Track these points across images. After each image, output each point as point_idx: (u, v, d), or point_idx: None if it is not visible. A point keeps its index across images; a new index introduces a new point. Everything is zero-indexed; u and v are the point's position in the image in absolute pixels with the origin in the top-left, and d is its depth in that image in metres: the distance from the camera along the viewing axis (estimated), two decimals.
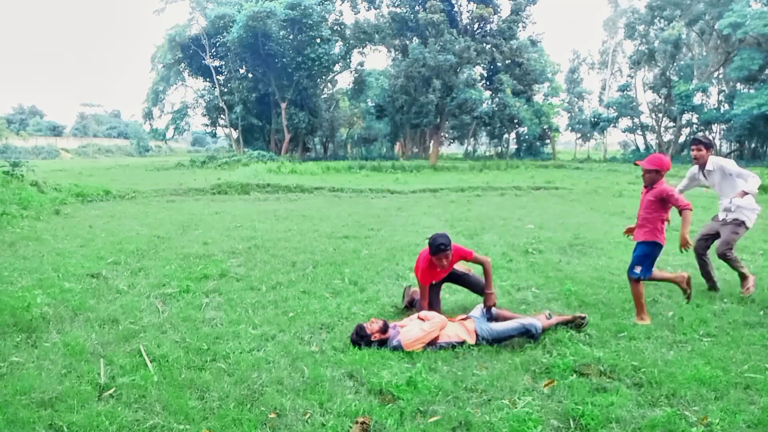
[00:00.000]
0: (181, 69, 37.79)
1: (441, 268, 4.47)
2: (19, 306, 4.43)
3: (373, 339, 3.86)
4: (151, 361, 3.55)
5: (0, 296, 4.78)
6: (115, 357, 3.63)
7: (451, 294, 5.21)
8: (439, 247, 4.33)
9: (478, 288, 4.65)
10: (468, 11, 35.92)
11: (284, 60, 32.70)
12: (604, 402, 3.00)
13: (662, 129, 39.84)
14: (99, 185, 15.27)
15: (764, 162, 31.80)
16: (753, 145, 35.77)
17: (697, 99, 35.54)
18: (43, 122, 61.87)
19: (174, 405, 2.98)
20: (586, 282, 5.67)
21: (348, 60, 37.76)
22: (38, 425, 2.78)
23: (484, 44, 35.05)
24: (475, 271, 4.98)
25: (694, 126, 38.32)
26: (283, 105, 34.06)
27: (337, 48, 36.31)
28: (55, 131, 60.52)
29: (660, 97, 39.04)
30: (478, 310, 4.33)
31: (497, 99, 37.04)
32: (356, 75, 38.72)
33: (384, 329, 3.90)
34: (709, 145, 5.26)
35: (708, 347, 3.84)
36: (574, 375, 3.39)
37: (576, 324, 4.18)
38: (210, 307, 4.77)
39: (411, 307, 4.76)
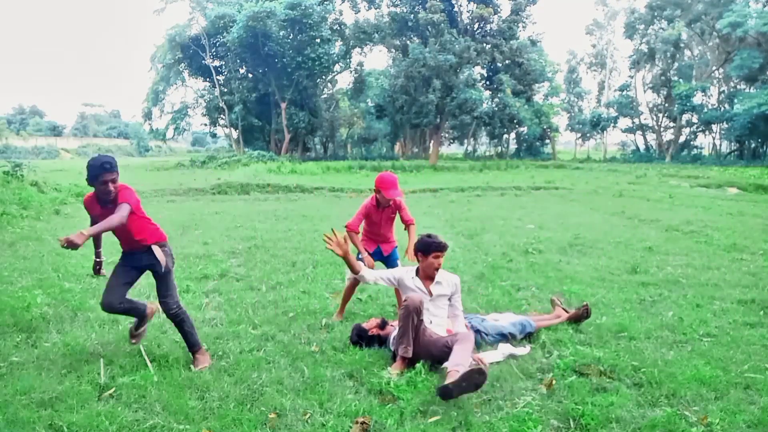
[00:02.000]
0: (181, 69, 37.80)
1: (103, 195, 3.26)
2: (19, 306, 4.42)
3: (371, 334, 3.87)
4: (151, 361, 3.55)
5: (0, 296, 4.78)
6: (115, 357, 3.62)
7: None
8: (100, 167, 3.16)
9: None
10: (468, 11, 35.93)
11: (284, 60, 32.69)
12: (604, 402, 3.00)
13: (662, 129, 39.90)
14: None
15: (764, 162, 31.81)
16: (753, 145, 35.79)
17: (697, 99, 35.58)
18: (43, 122, 61.95)
19: (174, 405, 2.98)
20: (586, 282, 5.67)
21: (348, 60, 37.75)
22: (38, 425, 2.78)
23: (484, 44, 35.05)
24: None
25: (694, 126, 38.37)
26: (283, 105, 34.05)
27: (337, 48, 36.31)
28: (55, 131, 60.57)
29: (660, 97, 39.08)
30: (508, 324, 4.09)
31: (497, 99, 37.02)
32: (356, 75, 38.70)
33: (382, 326, 3.92)
34: None
35: (708, 347, 3.84)
36: (574, 375, 3.39)
37: (579, 316, 4.28)
38: (210, 307, 4.78)
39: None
